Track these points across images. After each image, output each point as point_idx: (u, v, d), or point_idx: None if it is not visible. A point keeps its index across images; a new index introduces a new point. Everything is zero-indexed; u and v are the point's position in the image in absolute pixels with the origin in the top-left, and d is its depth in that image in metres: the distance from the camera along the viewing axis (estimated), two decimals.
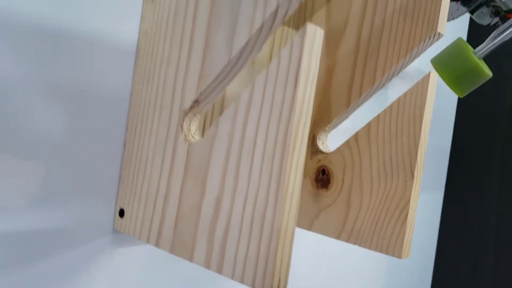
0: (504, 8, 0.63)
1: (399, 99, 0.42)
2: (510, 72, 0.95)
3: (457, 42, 0.66)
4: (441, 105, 0.92)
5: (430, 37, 0.41)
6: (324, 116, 0.48)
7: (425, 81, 0.41)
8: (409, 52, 0.41)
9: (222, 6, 0.31)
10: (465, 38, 0.95)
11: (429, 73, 0.41)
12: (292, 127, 0.28)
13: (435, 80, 0.41)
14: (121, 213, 0.39)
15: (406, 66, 0.43)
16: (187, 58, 0.34)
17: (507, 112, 0.96)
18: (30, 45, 0.33)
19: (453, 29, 0.91)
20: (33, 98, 0.34)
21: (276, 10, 0.29)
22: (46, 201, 0.36)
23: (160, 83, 0.36)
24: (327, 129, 0.48)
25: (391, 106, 0.43)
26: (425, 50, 0.42)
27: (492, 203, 0.95)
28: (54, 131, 0.36)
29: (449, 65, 0.67)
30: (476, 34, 0.95)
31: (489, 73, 0.65)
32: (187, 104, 0.34)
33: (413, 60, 0.43)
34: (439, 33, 0.41)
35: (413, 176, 0.41)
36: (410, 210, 0.41)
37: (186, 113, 0.34)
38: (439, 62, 0.67)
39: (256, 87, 0.30)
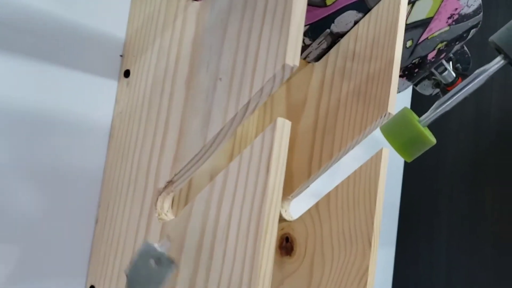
0: (444, 82, 0.69)
1: (354, 172, 0.46)
2: (450, 132, 1.02)
3: (403, 112, 0.72)
4: (389, 164, 0.97)
5: (381, 117, 0.45)
6: (286, 185, 0.51)
7: (378, 156, 0.45)
8: (363, 131, 0.45)
9: (197, 97, 0.34)
10: (409, 100, 1.02)
11: (381, 149, 0.45)
12: (265, 210, 0.30)
13: (387, 155, 0.45)
14: None
15: (360, 142, 0.47)
16: (162, 141, 0.36)
17: (451, 165, 1.03)
18: (7, 130, 0.34)
19: (398, 95, 0.98)
20: (9, 180, 0.35)
21: (248, 103, 0.32)
22: (17, 281, 0.36)
23: (134, 163, 0.38)
24: (290, 198, 0.51)
25: (348, 178, 0.46)
26: (377, 127, 0.46)
27: (442, 254, 1.00)
28: (27, 211, 0.36)
29: (396, 132, 0.72)
30: (419, 97, 1.03)
31: (433, 140, 0.71)
32: (161, 184, 0.36)
33: (366, 136, 0.47)
34: (389, 113, 0.45)
35: (370, 245, 0.44)
36: (369, 277, 0.44)
37: (160, 192, 0.36)
38: (387, 130, 0.71)
39: (230, 171, 0.32)
